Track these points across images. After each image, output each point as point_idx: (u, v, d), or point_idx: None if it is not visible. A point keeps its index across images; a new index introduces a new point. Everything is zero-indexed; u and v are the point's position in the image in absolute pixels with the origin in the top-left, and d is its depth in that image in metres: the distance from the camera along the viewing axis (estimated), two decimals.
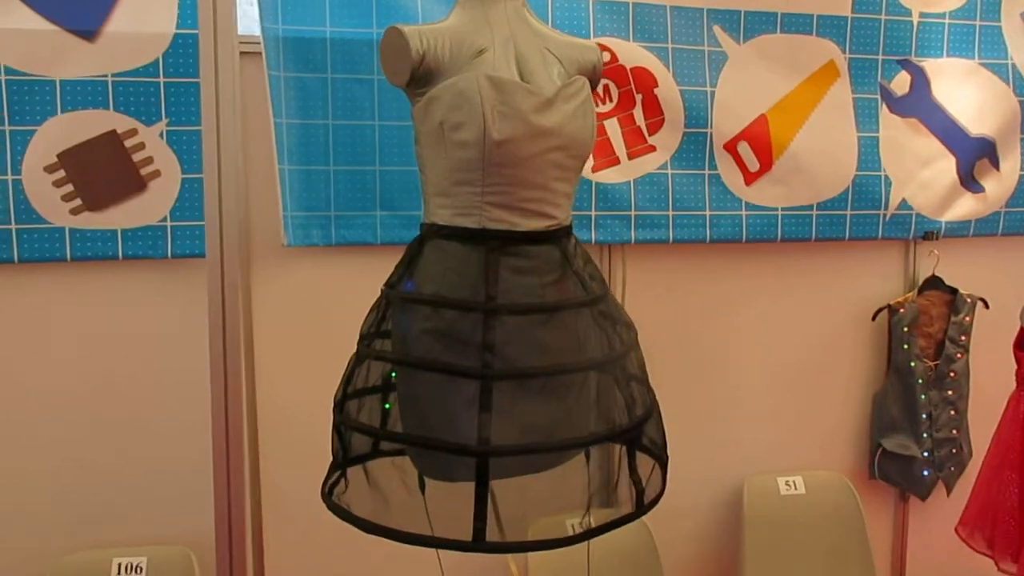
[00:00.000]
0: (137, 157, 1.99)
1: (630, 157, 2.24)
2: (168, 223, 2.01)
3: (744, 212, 2.33)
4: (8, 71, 1.90)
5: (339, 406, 1.37)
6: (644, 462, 1.44)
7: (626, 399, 1.38)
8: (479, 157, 1.29)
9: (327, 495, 1.36)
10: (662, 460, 1.50)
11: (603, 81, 2.19)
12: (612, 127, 2.23)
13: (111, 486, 2.03)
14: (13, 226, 1.93)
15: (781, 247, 2.38)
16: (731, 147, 2.30)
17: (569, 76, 1.43)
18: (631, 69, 2.21)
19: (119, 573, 2.02)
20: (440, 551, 1.31)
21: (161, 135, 1.99)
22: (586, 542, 1.40)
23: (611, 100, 2.22)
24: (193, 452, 1.96)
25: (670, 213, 2.28)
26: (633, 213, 2.25)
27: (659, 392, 2.26)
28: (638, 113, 2.24)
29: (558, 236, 1.40)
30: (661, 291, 2.32)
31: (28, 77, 1.91)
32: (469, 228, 1.35)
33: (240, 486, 1.23)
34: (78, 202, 1.97)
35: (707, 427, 2.37)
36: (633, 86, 2.22)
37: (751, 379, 2.40)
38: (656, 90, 2.22)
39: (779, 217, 2.35)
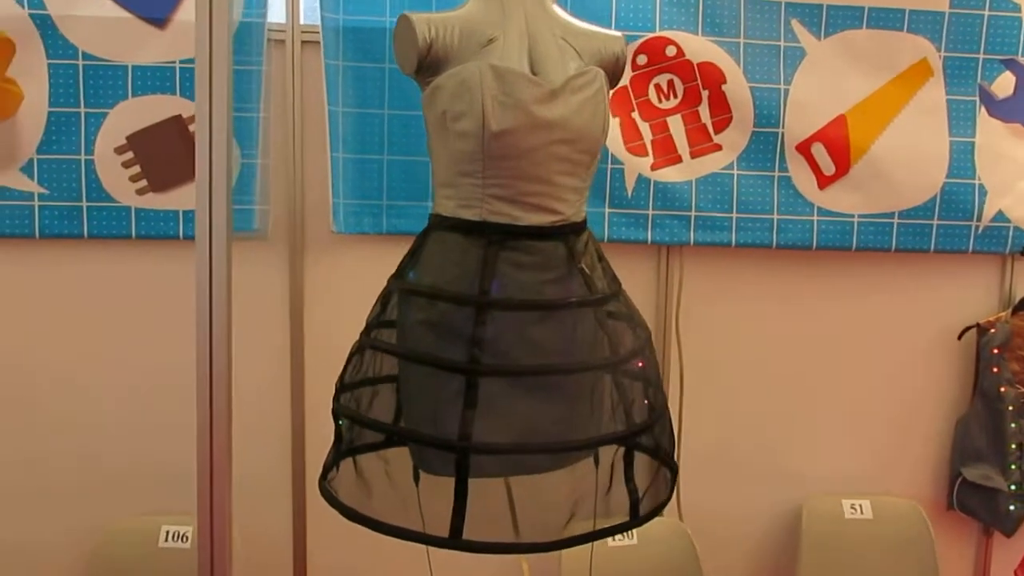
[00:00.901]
0: None
1: (693, 156, 2.16)
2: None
3: (816, 217, 2.20)
4: (85, 56, 2.00)
5: (337, 393, 1.37)
6: (646, 469, 1.37)
7: (625, 404, 1.32)
8: (479, 148, 1.27)
9: (322, 478, 1.37)
10: (671, 468, 1.43)
11: (667, 76, 2.12)
12: (675, 124, 2.15)
13: (161, 454, 2.10)
14: (84, 203, 2.04)
15: (856, 257, 2.23)
16: (804, 148, 2.18)
17: (587, 68, 1.38)
18: (698, 64, 2.12)
19: (167, 540, 2.09)
20: (437, 549, 1.28)
21: None
22: (591, 552, 1.35)
23: (675, 96, 2.14)
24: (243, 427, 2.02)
25: (733, 215, 2.18)
26: (693, 214, 2.16)
27: (711, 403, 2.21)
28: (704, 110, 2.15)
29: (564, 232, 1.35)
30: (719, 297, 2.22)
31: (103, 63, 2.01)
32: (470, 220, 1.32)
33: (225, 484, 1.24)
34: (144, 183, 2.06)
35: (765, 443, 2.26)
36: (699, 82, 2.13)
37: (816, 395, 2.27)
38: (724, 87, 2.13)
39: (855, 225, 2.21)
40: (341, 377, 1.38)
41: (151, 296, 2.12)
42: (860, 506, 2.28)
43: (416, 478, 1.34)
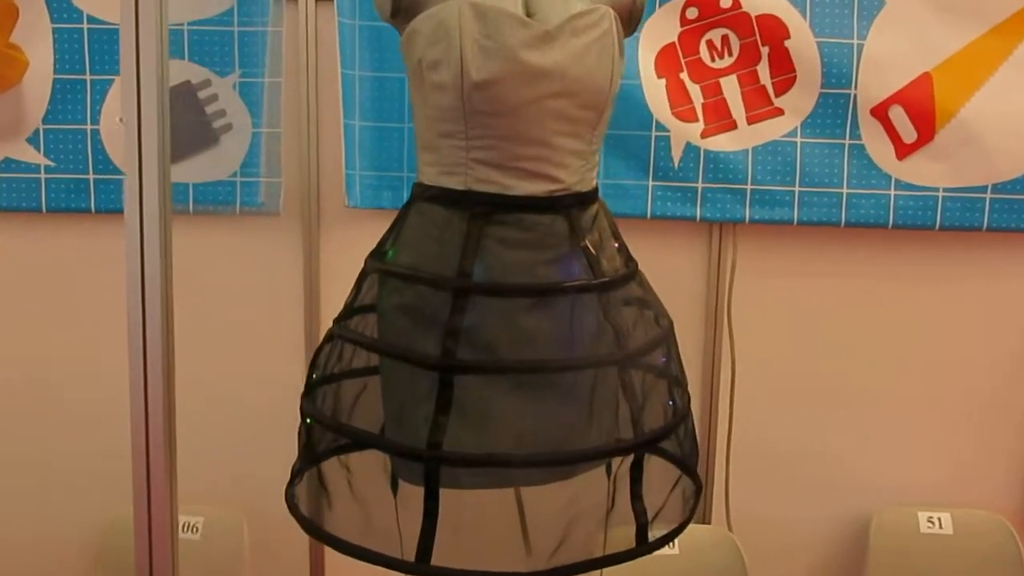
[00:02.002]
0: (210, 109, 1.93)
1: (750, 121, 1.91)
2: (238, 179, 1.95)
3: (893, 191, 1.93)
4: (90, 20, 1.90)
5: (305, 390, 1.21)
6: (661, 483, 1.17)
7: (634, 406, 1.12)
8: (458, 103, 1.08)
9: (288, 484, 1.22)
10: (695, 482, 1.23)
11: (721, 31, 1.88)
12: (730, 86, 1.91)
13: (179, 441, 2.00)
14: (91, 176, 1.94)
15: (940, 237, 1.95)
16: (881, 112, 1.90)
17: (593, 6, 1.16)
18: (756, 17, 1.87)
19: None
20: None
21: (234, 87, 1.92)
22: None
23: (730, 54, 1.90)
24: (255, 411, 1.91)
25: (796, 189, 1.92)
26: (749, 187, 1.92)
27: (766, 400, 1.97)
28: (763, 70, 1.90)
29: (565, 204, 1.15)
30: (778, 282, 1.98)
31: (109, 26, 1.90)
32: (453, 190, 1.14)
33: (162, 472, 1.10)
34: None
35: (828, 445, 2.01)
36: (759, 37, 1.88)
37: (890, 393, 2.01)
38: (787, 43, 1.87)
39: (939, 199, 1.93)
40: (309, 371, 1.21)
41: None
42: (939, 519, 2.02)
43: (395, 487, 1.17)
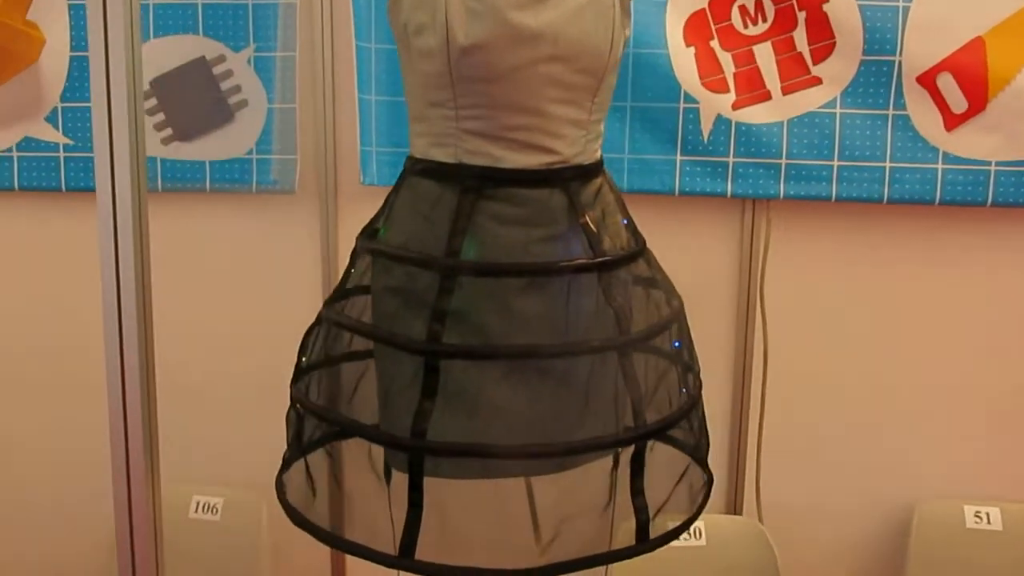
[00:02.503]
0: (225, 85, 1.89)
1: (785, 92, 1.80)
2: (254, 156, 1.91)
3: (941, 165, 1.80)
4: None
5: (294, 376, 1.16)
6: (667, 475, 1.09)
7: (635, 394, 1.04)
8: (446, 69, 1.01)
9: (280, 471, 1.17)
10: (706, 474, 1.15)
11: None
12: (764, 53, 1.81)
13: (195, 422, 1.99)
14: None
15: (991, 214, 1.82)
16: (928, 80, 1.78)
17: None
18: None
19: (197, 511, 1.99)
20: None
21: (249, 62, 1.87)
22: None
23: (764, 20, 1.79)
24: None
25: (834, 163, 1.81)
26: (784, 162, 1.81)
27: (801, 385, 1.86)
28: (800, 36, 1.79)
29: (563, 178, 1.07)
30: (814, 262, 1.87)
31: None
32: (443, 163, 1.07)
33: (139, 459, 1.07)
34: (169, 131, 1.92)
35: (867, 433, 1.90)
36: (795, 1, 1.77)
37: (935, 379, 1.89)
38: (826, 6, 1.76)
39: (992, 174, 1.80)
40: (298, 356, 1.16)
41: (174, 253, 1.98)
42: (987, 514, 1.90)
43: (388, 477, 1.11)
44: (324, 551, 1.99)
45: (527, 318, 1.04)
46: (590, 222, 1.08)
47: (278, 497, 1.13)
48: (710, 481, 1.18)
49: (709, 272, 1.89)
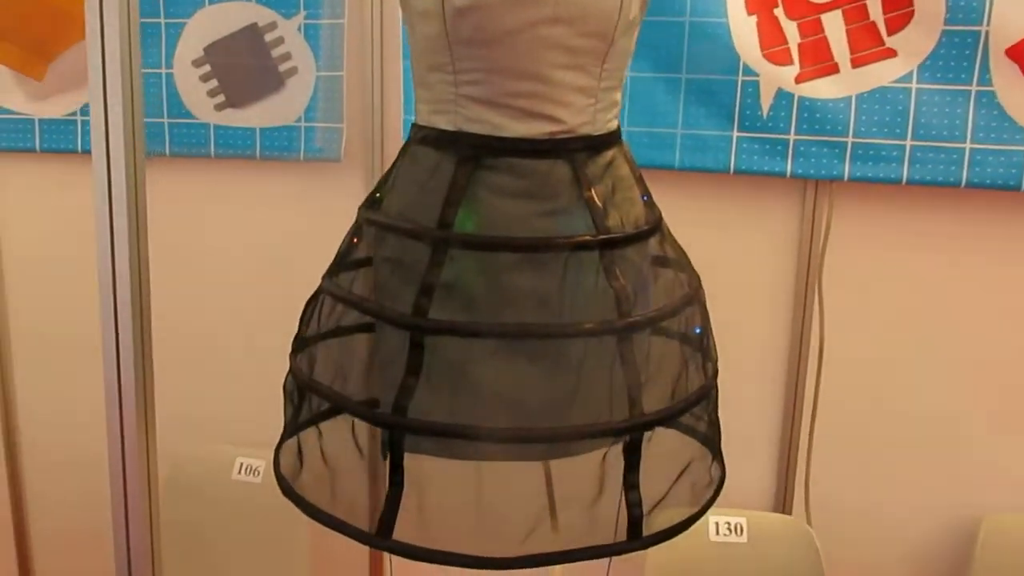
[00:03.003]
0: (276, 52, 1.89)
1: (855, 64, 1.68)
2: (302, 123, 1.91)
3: None
4: None
5: (292, 348, 1.13)
6: (668, 469, 1.02)
7: (632, 381, 0.97)
8: (442, 31, 0.96)
9: (279, 441, 1.16)
10: (719, 467, 1.07)
11: None
12: (833, 23, 1.68)
13: (243, 386, 2.01)
14: (166, 120, 1.95)
15: None
16: (1019, 53, 1.62)
17: None
18: None
19: (240, 473, 2.03)
20: None
21: (299, 29, 1.87)
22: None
23: None
24: None
25: (907, 143, 1.68)
26: (850, 140, 1.69)
27: (858, 382, 1.73)
28: (874, 4, 1.66)
29: (568, 149, 1.01)
30: (880, 249, 1.74)
31: None
32: (443, 130, 1.02)
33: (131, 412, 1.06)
34: (221, 98, 1.94)
35: (931, 436, 1.77)
36: None
37: (1007, 381, 1.73)
38: None
39: None
40: (299, 326, 1.13)
41: (223, 217, 2.01)
42: None
43: (385, 454, 1.08)
44: None
45: (519, 295, 0.98)
46: (596, 197, 1.01)
47: (273, 466, 1.11)
48: (722, 477, 1.10)
49: (764, 257, 1.79)
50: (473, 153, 0.99)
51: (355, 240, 1.08)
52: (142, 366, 1.07)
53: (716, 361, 1.11)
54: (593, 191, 1.01)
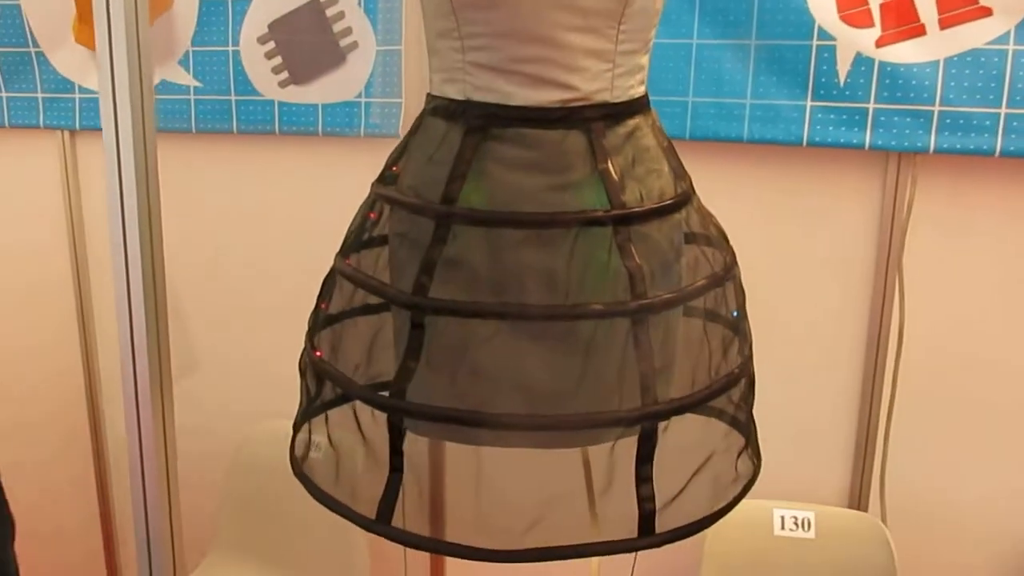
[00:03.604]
0: (337, 28, 1.89)
1: (943, 25, 1.53)
2: (363, 99, 1.90)
3: None
4: None
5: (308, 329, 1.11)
6: (687, 460, 0.95)
7: (645, 369, 0.90)
8: None
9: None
10: (753, 460, 0.99)
11: None
12: None
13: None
14: (232, 97, 1.98)
15: None
16: None
17: None
18: None
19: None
20: None
21: (359, 3, 1.85)
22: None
23: None
24: None
25: (1002, 111, 1.52)
26: (937, 108, 1.55)
27: (941, 373, 1.58)
28: None
29: (583, 117, 0.94)
30: (968, 229, 1.59)
31: None
32: (453, 100, 0.97)
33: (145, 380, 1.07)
34: (285, 75, 1.95)
35: (1018, 437, 1.61)
36: None
37: None
38: None
39: None
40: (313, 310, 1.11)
41: (294, 194, 2.02)
42: None
43: (394, 435, 1.04)
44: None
45: (524, 274, 0.93)
46: (612, 169, 0.94)
47: (290, 447, 1.10)
48: (754, 472, 1.02)
49: (841, 236, 1.66)
50: (481, 123, 0.94)
51: (370, 216, 1.05)
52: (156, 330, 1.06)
53: (750, 344, 1.02)
54: (610, 163, 0.94)
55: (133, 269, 1.02)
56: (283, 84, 1.95)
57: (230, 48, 1.96)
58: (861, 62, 1.57)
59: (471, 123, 0.95)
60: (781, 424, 1.72)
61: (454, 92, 0.97)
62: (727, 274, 1.01)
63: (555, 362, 0.92)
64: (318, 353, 1.04)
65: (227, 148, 2.04)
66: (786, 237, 1.70)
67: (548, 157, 0.94)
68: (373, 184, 1.07)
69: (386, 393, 0.94)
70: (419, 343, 0.92)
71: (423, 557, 1.81)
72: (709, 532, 1.00)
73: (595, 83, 0.94)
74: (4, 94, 2.16)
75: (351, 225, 1.07)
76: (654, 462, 0.91)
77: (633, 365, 0.91)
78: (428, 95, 1.04)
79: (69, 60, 2.09)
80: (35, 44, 2.09)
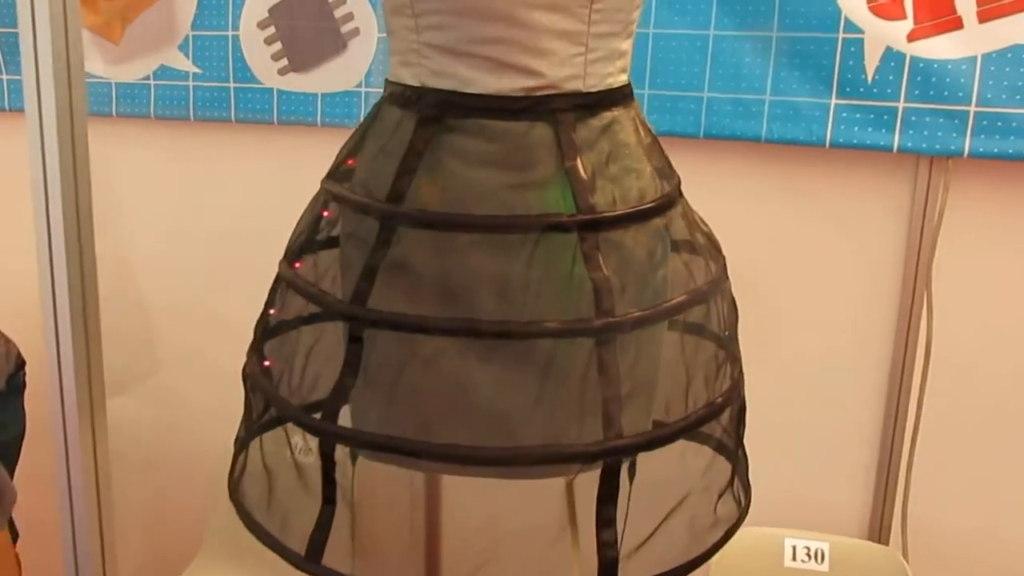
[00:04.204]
0: (339, 13, 1.80)
1: (982, 18, 1.40)
2: (363, 88, 1.81)
3: None
4: None
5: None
6: (651, 497, 0.84)
7: (609, 396, 0.80)
8: None
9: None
10: (740, 498, 0.88)
11: None
12: None
13: None
14: (231, 84, 1.91)
15: None
16: None
17: None
18: None
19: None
20: None
21: None
22: None
23: None
24: None
25: None
26: (973, 108, 1.41)
27: (972, 395, 1.45)
28: None
29: (550, 108, 0.84)
30: (1004, 240, 1.46)
31: None
32: (408, 86, 0.88)
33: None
34: (285, 62, 1.87)
35: None
36: None
37: None
38: None
39: None
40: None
41: (286, 186, 1.94)
42: None
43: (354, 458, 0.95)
44: None
45: (475, 284, 0.83)
46: (581, 167, 0.84)
47: (231, 466, 1.01)
48: (739, 514, 0.91)
49: (865, 246, 1.54)
50: (436, 112, 0.84)
51: (323, 214, 0.96)
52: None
53: (740, 367, 0.91)
54: (580, 160, 0.84)
55: (56, 247, 0.93)
56: (282, 72, 1.87)
57: (230, 33, 1.89)
58: (891, 57, 1.44)
59: (425, 112, 0.85)
60: (795, 446, 1.60)
61: (409, 77, 0.87)
62: (712, 288, 0.90)
63: (507, 385, 0.82)
64: (264, 365, 0.95)
65: (225, 137, 1.96)
66: (805, 246, 1.57)
67: (510, 152, 0.84)
68: (323, 180, 0.97)
69: (319, 415, 0.84)
70: (357, 359, 0.83)
71: (417, 557, 1.71)
72: (713, 561, 0.90)
73: (564, 69, 0.83)
74: (4, 76, 2.11)
75: (298, 226, 0.97)
76: (622, 501, 0.81)
77: (596, 391, 0.80)
78: (385, 80, 0.94)
79: None
80: None
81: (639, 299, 0.85)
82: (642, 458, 0.82)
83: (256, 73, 1.89)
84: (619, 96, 0.89)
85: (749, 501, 0.92)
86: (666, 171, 0.93)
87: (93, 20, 1.98)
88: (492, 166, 0.84)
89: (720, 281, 0.92)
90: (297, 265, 0.94)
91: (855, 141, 1.49)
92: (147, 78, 1.98)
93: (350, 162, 0.94)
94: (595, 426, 0.80)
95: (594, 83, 0.86)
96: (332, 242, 0.95)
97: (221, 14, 1.88)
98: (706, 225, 0.97)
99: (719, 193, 1.59)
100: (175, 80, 1.95)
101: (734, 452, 0.92)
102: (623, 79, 0.90)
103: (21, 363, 1.82)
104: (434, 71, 0.85)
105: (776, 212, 1.58)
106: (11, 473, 1.49)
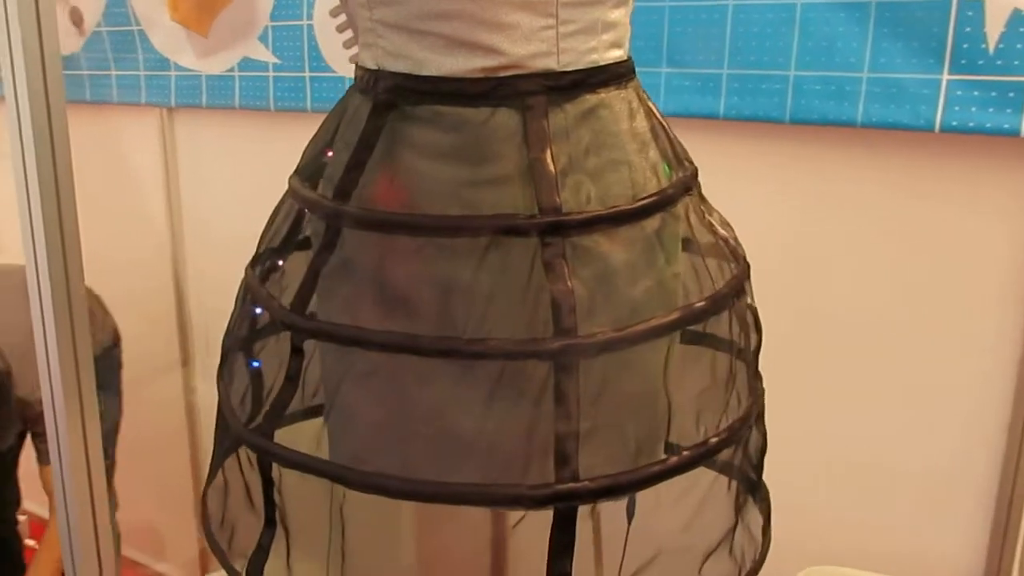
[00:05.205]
0: None
1: None
2: None
3: None
4: None
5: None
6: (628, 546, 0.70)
7: (563, 430, 0.67)
8: None
9: None
10: (729, 564, 0.73)
11: None
12: None
13: None
14: (307, 74, 1.88)
15: None
16: None
17: None
18: None
19: None
20: None
21: None
22: None
23: None
24: None
25: None
26: None
27: None
28: None
29: (517, 91, 0.71)
30: None
31: None
32: (366, 69, 0.78)
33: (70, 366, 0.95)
34: (356, 49, 1.81)
35: None
36: None
37: None
38: None
39: None
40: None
41: None
42: None
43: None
44: None
45: (415, 295, 0.71)
46: (548, 160, 0.70)
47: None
48: (758, 560, 0.74)
49: (984, 245, 1.30)
50: (389, 98, 0.74)
51: (276, 216, 0.87)
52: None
53: (759, 391, 0.75)
54: (549, 151, 0.70)
55: (37, 237, 0.90)
56: (354, 59, 1.82)
57: (304, 23, 1.86)
58: (1019, 21, 1.20)
59: (379, 98, 0.74)
60: (894, 483, 1.39)
61: (368, 59, 0.78)
62: (728, 293, 0.74)
63: (446, 411, 0.70)
64: (223, 378, 0.88)
65: (301, 127, 1.93)
66: (913, 244, 1.35)
67: (468, 143, 0.72)
68: (290, 177, 0.89)
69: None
70: (297, 371, 0.74)
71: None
72: None
73: (529, 45, 0.71)
74: (113, 72, 2.18)
75: (268, 226, 0.89)
76: (615, 548, 0.67)
77: (549, 424, 0.67)
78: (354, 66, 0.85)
79: (165, 38, 2.07)
80: (137, 23, 2.09)
81: (614, 317, 0.71)
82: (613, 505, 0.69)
83: (329, 61, 1.85)
84: (607, 76, 0.75)
85: (760, 561, 0.76)
86: (674, 160, 0.78)
87: (183, 14, 2.01)
88: (448, 159, 0.72)
89: (728, 296, 0.76)
90: (277, 264, 0.86)
91: (972, 124, 1.26)
92: (231, 69, 1.99)
93: (330, 154, 0.85)
94: (544, 466, 0.67)
95: (570, 61, 0.72)
96: (305, 243, 0.86)
97: (297, 3, 1.86)
98: (729, 227, 0.81)
99: (807, 186, 1.39)
100: (257, 71, 1.95)
101: (750, 490, 0.76)
102: (615, 55, 0.76)
103: (117, 338, 1.86)
104: (389, 52, 0.75)
105: (874, 211, 1.37)
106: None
